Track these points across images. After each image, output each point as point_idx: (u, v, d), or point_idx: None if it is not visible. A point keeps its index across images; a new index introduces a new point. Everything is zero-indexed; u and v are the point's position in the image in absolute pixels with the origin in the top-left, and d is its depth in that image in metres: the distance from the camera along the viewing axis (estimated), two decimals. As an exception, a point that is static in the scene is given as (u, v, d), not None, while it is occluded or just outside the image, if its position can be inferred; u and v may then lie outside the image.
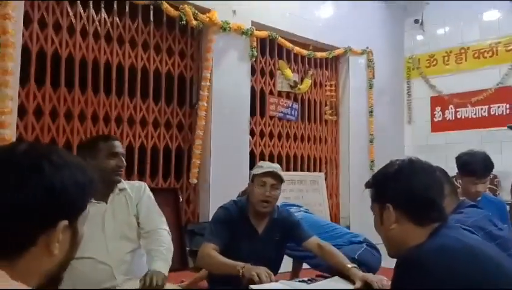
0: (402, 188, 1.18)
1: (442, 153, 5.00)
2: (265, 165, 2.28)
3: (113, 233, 1.95)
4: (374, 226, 1.28)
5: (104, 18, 3.65)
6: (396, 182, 1.19)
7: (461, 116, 5.52)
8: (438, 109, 5.72)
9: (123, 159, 1.97)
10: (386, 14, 5.65)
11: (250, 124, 4.42)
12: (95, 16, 3.60)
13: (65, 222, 0.75)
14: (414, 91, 5.93)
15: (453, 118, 5.59)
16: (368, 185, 1.27)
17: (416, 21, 5.79)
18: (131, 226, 1.99)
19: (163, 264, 1.85)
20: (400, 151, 5.51)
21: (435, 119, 5.74)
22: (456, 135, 5.43)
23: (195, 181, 3.98)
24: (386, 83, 5.60)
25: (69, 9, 3.46)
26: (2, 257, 0.71)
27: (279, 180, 2.25)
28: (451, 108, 5.60)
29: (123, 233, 1.98)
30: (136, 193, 2.02)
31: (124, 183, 2.03)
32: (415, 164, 1.23)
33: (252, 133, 4.48)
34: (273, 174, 2.22)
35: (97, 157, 1.90)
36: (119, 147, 1.98)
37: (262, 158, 4.49)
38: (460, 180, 2.33)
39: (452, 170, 2.25)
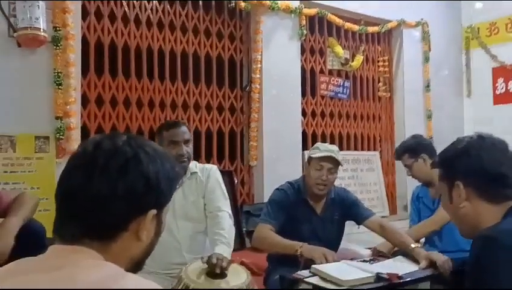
0: (472, 164, 1.13)
1: (506, 127, 4.71)
2: (323, 148, 2.25)
3: (182, 214, 2.06)
4: (442, 205, 1.25)
5: (156, 6, 3.73)
6: (466, 158, 1.15)
7: (527, 88, 5.19)
8: (501, 80, 5.37)
9: (183, 147, 2.03)
10: (441, -18, 5.34)
11: (301, 104, 4.38)
12: (146, 4, 3.68)
13: (154, 211, 0.80)
14: (474, 62, 5.59)
15: (518, 90, 5.25)
16: (434, 164, 1.23)
17: (474, -13, 5.44)
18: (199, 207, 2.09)
19: (225, 248, 1.90)
20: (459, 127, 5.26)
21: (497, 92, 5.40)
22: (521, 107, 5.10)
23: (254, 163, 4.02)
24: (443, 56, 5.33)
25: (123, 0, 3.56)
26: (97, 240, 0.76)
27: (337, 164, 2.23)
28: (516, 79, 5.25)
29: (191, 214, 2.08)
30: (205, 176, 2.11)
31: (195, 167, 2.14)
32: (486, 140, 1.18)
33: (304, 113, 4.44)
34: (330, 159, 2.21)
35: (162, 145, 1.96)
36: (180, 134, 2.04)
37: (314, 138, 4.45)
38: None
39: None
